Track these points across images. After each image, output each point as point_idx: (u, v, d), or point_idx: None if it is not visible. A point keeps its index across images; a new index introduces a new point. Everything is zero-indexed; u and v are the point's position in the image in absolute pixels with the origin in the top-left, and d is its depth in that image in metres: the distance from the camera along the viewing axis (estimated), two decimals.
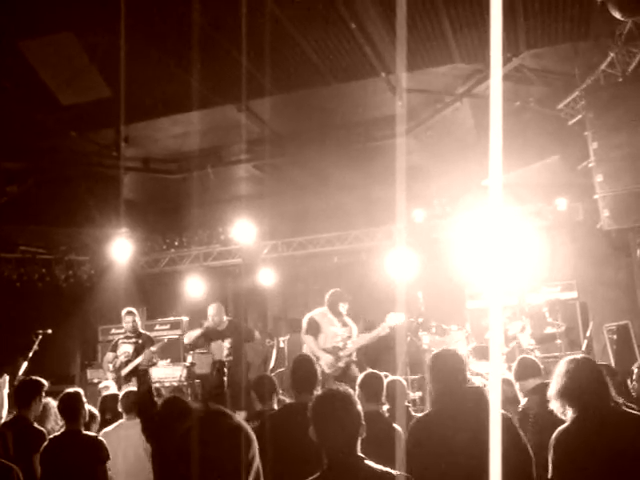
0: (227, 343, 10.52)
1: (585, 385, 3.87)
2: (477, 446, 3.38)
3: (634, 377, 6.18)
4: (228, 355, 10.47)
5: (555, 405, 4.01)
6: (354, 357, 9.59)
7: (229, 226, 14.33)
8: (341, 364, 9.39)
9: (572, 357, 4.13)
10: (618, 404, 3.91)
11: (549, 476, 3.91)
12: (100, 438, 6.01)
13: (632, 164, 9.01)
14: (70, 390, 6.20)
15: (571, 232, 12.48)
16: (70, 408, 5.98)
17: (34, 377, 6.60)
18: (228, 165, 12.81)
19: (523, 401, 5.95)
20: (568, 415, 3.92)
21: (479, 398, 4.16)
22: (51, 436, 5.94)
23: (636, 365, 6.08)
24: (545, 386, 6.16)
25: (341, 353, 9.37)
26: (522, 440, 4.19)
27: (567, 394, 3.90)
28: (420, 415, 4.85)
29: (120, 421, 6.88)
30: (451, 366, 4.31)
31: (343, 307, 9.82)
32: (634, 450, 3.70)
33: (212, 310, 10.73)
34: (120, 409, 6.90)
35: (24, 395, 6.35)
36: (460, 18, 8.26)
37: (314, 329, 9.60)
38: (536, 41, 9.00)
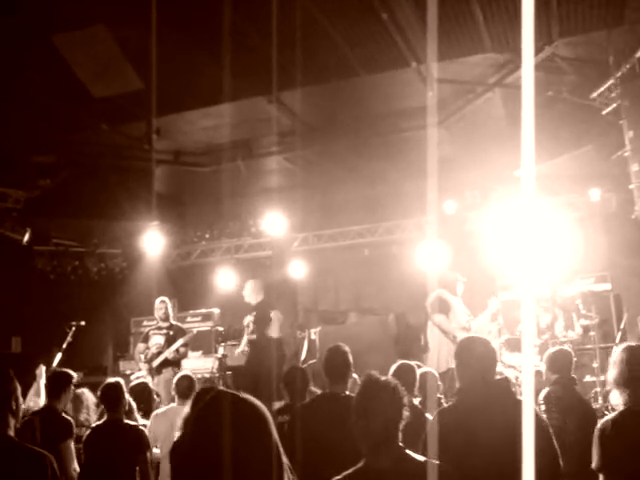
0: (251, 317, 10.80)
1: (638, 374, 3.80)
2: (506, 440, 3.35)
3: None
4: (252, 332, 10.68)
5: (614, 393, 3.97)
6: None
7: (260, 218, 14.37)
8: None
9: (631, 344, 4.07)
10: None
11: (593, 465, 3.86)
12: (141, 427, 6.13)
13: None
14: (111, 380, 6.36)
15: (604, 223, 12.35)
16: (111, 397, 6.10)
17: (64, 369, 6.70)
18: (259, 157, 12.81)
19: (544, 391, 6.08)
20: (620, 403, 3.86)
21: (507, 391, 4.12)
22: (93, 425, 6.06)
23: None
24: (568, 380, 6.28)
25: (470, 333, 9.28)
26: (550, 434, 4.13)
27: (621, 382, 3.84)
28: (444, 406, 4.80)
29: (172, 405, 7.04)
30: (481, 353, 4.17)
31: (460, 287, 9.73)
32: None
33: (248, 288, 11.01)
34: (173, 393, 7.06)
35: (55, 386, 6.46)
36: (492, 6, 8.17)
37: (444, 307, 9.41)
38: (569, 29, 8.87)
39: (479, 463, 3.83)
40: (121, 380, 6.37)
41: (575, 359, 10.59)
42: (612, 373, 3.90)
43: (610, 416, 3.91)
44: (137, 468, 5.89)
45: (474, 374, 4.12)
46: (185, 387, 7.02)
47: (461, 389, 4.22)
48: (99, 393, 6.28)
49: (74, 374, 6.67)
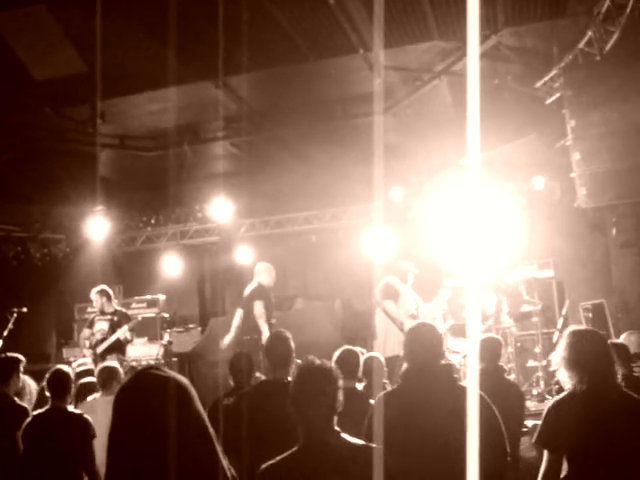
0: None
1: (590, 358, 3.86)
2: (452, 423, 3.40)
3: None
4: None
5: (560, 374, 4.03)
6: None
7: (206, 204, 14.26)
8: None
9: (579, 328, 4.13)
10: (620, 383, 3.91)
11: (535, 440, 3.94)
12: (86, 416, 5.96)
13: (609, 142, 9.04)
14: (62, 367, 6.17)
15: (548, 210, 12.52)
16: (60, 384, 5.92)
17: (11, 354, 6.53)
18: (205, 142, 12.72)
19: None
20: (567, 386, 3.93)
21: (449, 376, 4.18)
22: (35, 412, 5.89)
23: None
24: (493, 370, 6.36)
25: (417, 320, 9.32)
26: (497, 417, 4.19)
27: (570, 365, 3.89)
28: (389, 389, 4.82)
29: (95, 395, 6.82)
30: (428, 340, 4.25)
31: (411, 277, 9.79)
32: (628, 431, 3.70)
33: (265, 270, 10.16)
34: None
35: (2, 372, 6.29)
36: None
37: (393, 294, 9.47)
38: (514, 19, 8.99)
39: (419, 447, 3.88)
40: (70, 369, 6.25)
41: (519, 344, 10.89)
42: (560, 355, 3.96)
43: (559, 396, 3.98)
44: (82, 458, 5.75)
45: (419, 359, 4.18)
46: (105, 378, 6.78)
47: (405, 374, 4.26)
48: (47, 379, 6.10)
49: (22, 358, 6.49)
